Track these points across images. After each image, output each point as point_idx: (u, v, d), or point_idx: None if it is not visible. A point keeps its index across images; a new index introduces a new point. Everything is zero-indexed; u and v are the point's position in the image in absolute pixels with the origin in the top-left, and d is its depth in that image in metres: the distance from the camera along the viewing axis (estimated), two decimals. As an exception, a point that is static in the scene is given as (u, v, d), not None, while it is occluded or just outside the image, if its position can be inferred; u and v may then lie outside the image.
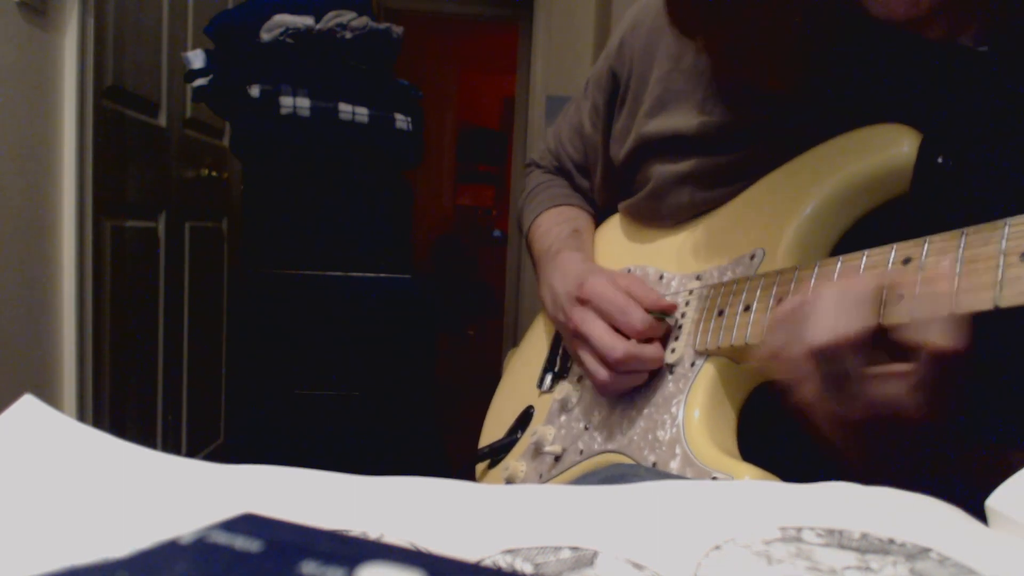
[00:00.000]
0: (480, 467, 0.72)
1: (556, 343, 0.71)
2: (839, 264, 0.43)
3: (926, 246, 0.39)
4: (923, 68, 0.48)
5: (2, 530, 0.25)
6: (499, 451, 0.69)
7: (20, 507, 0.26)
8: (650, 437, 0.51)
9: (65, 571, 0.15)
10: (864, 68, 0.50)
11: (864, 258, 0.42)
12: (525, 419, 0.69)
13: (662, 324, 0.54)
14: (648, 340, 0.54)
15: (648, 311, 0.54)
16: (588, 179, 0.78)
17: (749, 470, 0.43)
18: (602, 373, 0.54)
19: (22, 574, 0.22)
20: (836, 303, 0.39)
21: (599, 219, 0.78)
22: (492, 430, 0.75)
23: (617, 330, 0.54)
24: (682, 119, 0.59)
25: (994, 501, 0.29)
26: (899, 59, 0.49)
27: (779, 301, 0.45)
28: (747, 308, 0.48)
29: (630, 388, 0.55)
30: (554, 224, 0.76)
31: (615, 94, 0.68)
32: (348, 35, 1.51)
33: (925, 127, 0.46)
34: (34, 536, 0.25)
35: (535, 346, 0.76)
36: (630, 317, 0.53)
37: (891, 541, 0.26)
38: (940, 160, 0.45)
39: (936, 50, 0.47)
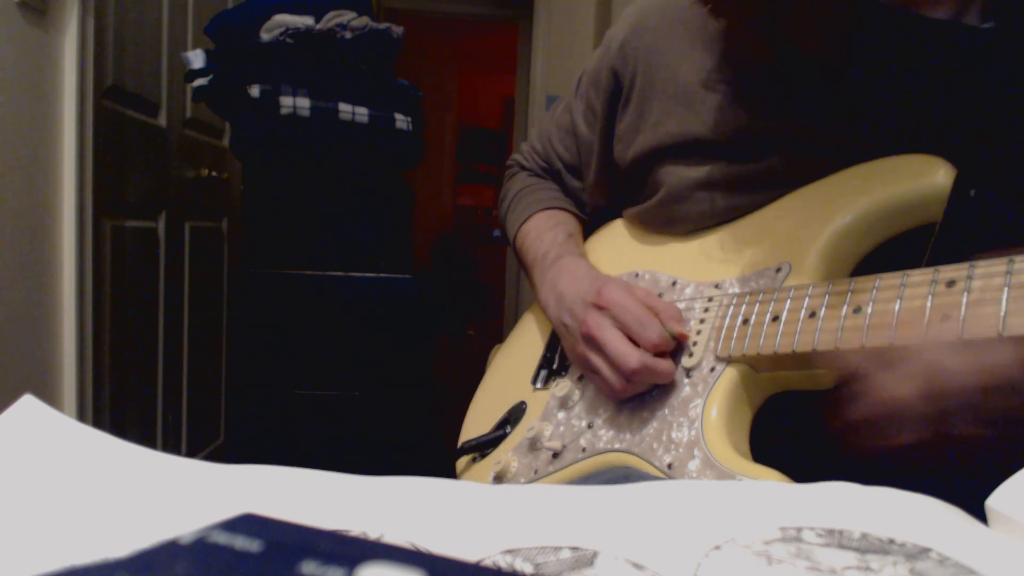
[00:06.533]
0: (463, 461, 0.70)
1: (554, 341, 0.70)
2: (877, 282, 0.43)
3: (971, 269, 0.39)
4: (931, 54, 0.48)
5: (2, 530, 0.25)
6: (485, 446, 0.67)
7: (20, 507, 0.26)
8: (664, 438, 0.50)
9: (65, 571, 0.15)
10: (878, 59, 0.50)
11: (904, 278, 0.42)
12: (515, 414, 0.68)
13: (673, 341, 0.53)
14: (660, 355, 0.53)
15: (664, 325, 0.53)
16: (579, 179, 0.78)
17: (773, 476, 0.42)
18: (616, 381, 0.54)
19: (22, 574, 0.22)
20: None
21: (590, 217, 0.78)
22: (475, 425, 0.73)
23: (631, 340, 0.54)
24: (699, 123, 0.58)
25: (994, 501, 0.29)
26: (906, 46, 0.49)
27: (811, 314, 0.46)
28: (776, 319, 0.48)
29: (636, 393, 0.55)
30: (545, 229, 0.75)
31: (617, 94, 0.68)
32: (348, 35, 1.51)
33: (955, 150, 0.46)
34: (34, 536, 0.25)
35: (526, 342, 0.75)
36: (647, 330, 0.53)
37: (891, 541, 0.26)
38: (973, 193, 0.45)
39: (942, 32, 0.47)
